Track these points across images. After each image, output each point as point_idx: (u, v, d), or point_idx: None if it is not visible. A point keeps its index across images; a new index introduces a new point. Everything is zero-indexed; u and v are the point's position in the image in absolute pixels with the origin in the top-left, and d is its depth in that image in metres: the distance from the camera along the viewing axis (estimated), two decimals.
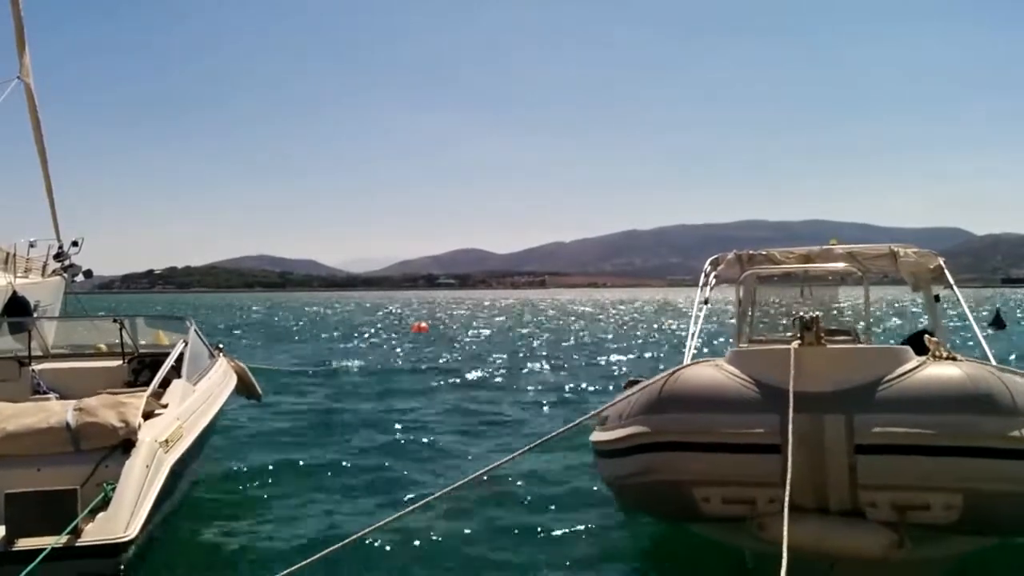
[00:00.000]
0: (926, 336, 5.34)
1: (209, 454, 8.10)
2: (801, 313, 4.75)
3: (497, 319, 53.62)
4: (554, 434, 5.45)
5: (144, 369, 8.34)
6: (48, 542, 4.36)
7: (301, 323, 48.95)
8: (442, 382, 16.90)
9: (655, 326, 41.30)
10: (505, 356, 23.05)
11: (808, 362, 4.57)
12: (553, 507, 7.12)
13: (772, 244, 8.72)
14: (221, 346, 9.50)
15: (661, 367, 13.80)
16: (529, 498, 7.39)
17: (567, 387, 15.94)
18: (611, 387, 14.64)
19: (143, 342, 9.09)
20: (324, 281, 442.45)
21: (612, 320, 50.65)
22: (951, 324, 12.49)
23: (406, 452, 9.64)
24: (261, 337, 34.50)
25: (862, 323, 8.17)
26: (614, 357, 22.83)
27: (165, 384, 6.63)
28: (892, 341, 10.17)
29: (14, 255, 13.62)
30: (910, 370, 4.55)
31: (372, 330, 39.37)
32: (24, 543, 4.41)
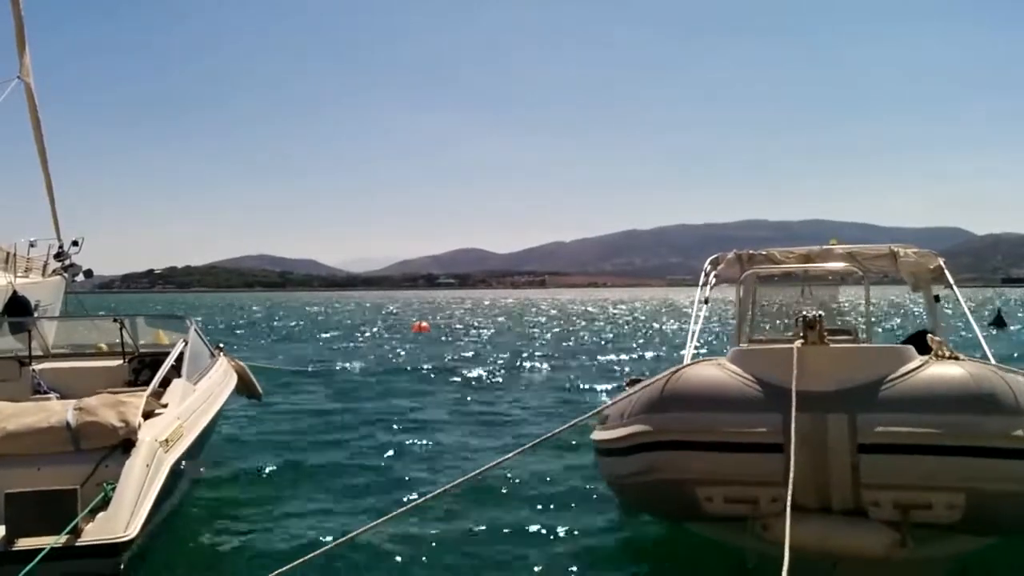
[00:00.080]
0: (929, 336, 5.33)
1: (209, 454, 8.09)
2: (804, 312, 4.74)
3: (498, 319, 53.62)
4: (554, 433, 5.44)
5: (144, 369, 8.33)
6: (48, 542, 4.35)
7: (302, 323, 48.93)
8: (442, 382, 16.88)
9: (655, 326, 41.29)
10: (505, 356, 23.03)
11: (811, 361, 4.56)
12: (553, 507, 7.11)
13: (772, 244, 8.72)
14: (221, 345, 9.50)
15: (662, 367, 13.79)
16: (529, 498, 7.37)
17: (567, 387, 15.93)
18: (611, 387, 14.64)
19: (143, 341, 9.09)
20: (324, 281, 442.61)
21: (612, 320, 50.64)
22: (953, 324, 12.48)
23: (406, 452, 9.62)
24: (261, 336, 34.51)
25: (863, 323, 8.17)
26: (614, 357, 22.81)
27: (165, 384, 6.63)
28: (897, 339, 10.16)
29: (14, 255, 13.64)
30: (913, 369, 4.55)
31: (374, 330, 39.37)
32: (24, 543, 4.40)
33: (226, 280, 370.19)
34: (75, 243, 15.56)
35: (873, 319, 8.07)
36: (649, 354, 23.49)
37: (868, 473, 4.38)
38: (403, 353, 24.57)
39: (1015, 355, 17.43)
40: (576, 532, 6.38)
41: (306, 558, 4.43)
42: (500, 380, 17.17)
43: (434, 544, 6.10)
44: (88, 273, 15.77)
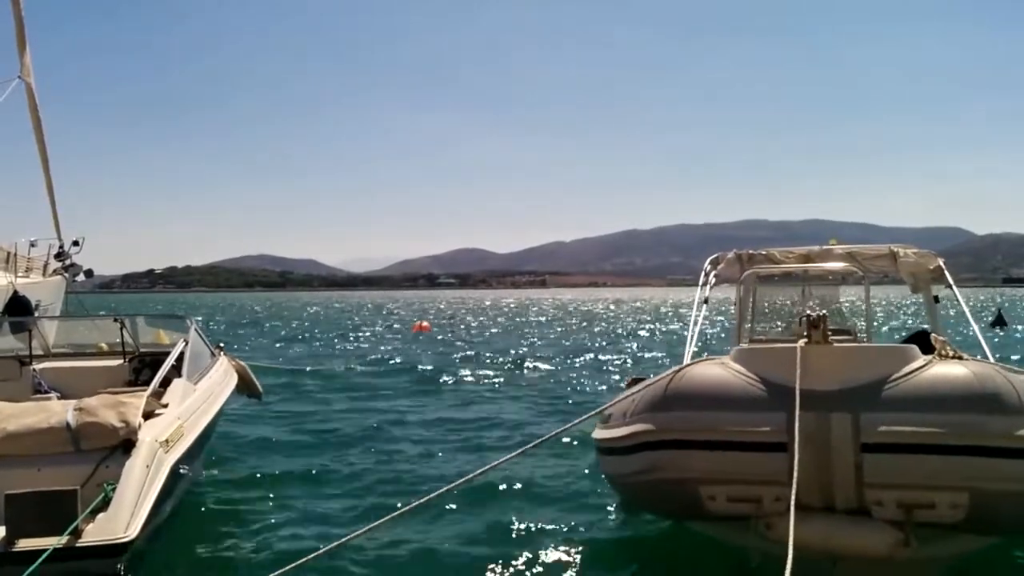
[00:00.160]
0: (932, 335, 5.32)
1: (209, 454, 8.07)
2: (808, 311, 4.73)
3: (498, 319, 53.62)
4: (554, 433, 5.43)
5: (145, 368, 8.32)
6: (48, 543, 4.34)
7: (302, 323, 48.93)
8: (443, 382, 16.87)
9: (655, 325, 41.29)
10: (505, 356, 23.03)
11: (815, 360, 4.55)
12: (553, 507, 7.09)
13: (772, 244, 8.72)
14: (222, 345, 9.48)
15: (662, 366, 13.80)
16: (529, 498, 7.36)
17: (567, 387, 15.93)
18: (611, 387, 14.63)
19: (144, 341, 9.08)
20: (324, 281, 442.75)
21: (612, 320, 50.64)
22: (954, 324, 12.46)
23: (406, 452, 9.60)
24: (262, 336, 34.50)
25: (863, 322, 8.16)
26: (614, 356, 22.81)
27: (166, 383, 6.61)
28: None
29: (15, 255, 13.65)
30: (916, 369, 4.54)
31: (374, 329, 39.37)
32: (24, 544, 4.39)
33: (226, 280, 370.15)
34: (75, 243, 15.57)
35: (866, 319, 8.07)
36: (649, 354, 23.49)
37: (871, 472, 4.36)
38: (404, 353, 24.56)
39: (1013, 357, 17.40)
40: (577, 532, 6.36)
41: (307, 558, 4.41)
42: (501, 380, 17.15)
43: (434, 545, 6.09)
44: (88, 273, 15.79)
